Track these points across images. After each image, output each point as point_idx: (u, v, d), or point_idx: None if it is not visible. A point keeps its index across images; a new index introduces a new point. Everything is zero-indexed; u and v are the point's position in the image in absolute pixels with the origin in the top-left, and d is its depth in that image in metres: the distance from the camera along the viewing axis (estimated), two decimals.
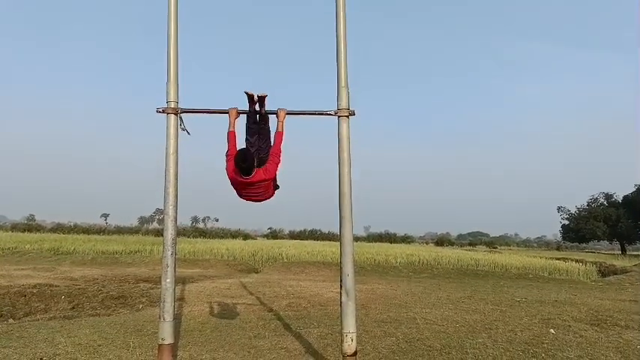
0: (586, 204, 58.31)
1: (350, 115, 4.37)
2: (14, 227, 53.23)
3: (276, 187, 4.73)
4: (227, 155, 4.52)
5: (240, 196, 4.57)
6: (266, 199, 4.67)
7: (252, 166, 4.34)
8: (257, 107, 4.78)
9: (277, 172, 4.57)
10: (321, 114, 4.46)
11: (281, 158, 4.56)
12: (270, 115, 4.75)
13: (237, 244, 31.77)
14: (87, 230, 52.12)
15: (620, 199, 55.66)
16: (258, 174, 4.42)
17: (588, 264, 22.85)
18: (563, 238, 62.07)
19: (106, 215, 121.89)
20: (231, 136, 4.55)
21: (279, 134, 4.55)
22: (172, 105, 4.39)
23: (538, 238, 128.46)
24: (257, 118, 4.81)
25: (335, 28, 4.50)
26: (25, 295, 9.79)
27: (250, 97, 4.72)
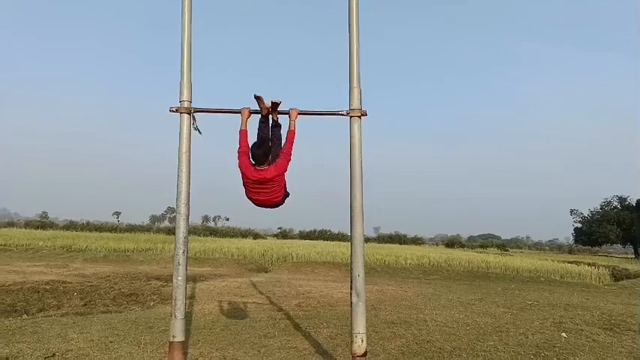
0: (599, 207, 57.58)
1: (362, 115, 4.36)
2: (28, 224, 53.99)
3: (287, 194, 4.72)
4: (239, 152, 4.54)
5: (249, 193, 4.57)
6: (274, 202, 4.62)
7: (267, 152, 4.48)
8: (269, 114, 4.75)
9: (288, 169, 4.56)
10: (333, 114, 4.45)
11: (292, 156, 4.56)
12: (281, 116, 4.75)
13: (248, 243, 31.92)
14: (99, 228, 52.61)
15: (634, 202, 54.91)
16: (270, 171, 4.43)
17: (601, 267, 22.61)
18: (576, 241, 61.37)
19: (118, 213, 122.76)
20: (242, 134, 4.56)
21: (291, 132, 4.54)
22: (186, 104, 4.41)
23: (550, 241, 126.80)
24: (269, 124, 4.80)
25: (347, 29, 4.49)
26: (39, 292, 9.93)
27: (260, 100, 4.64)
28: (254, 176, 4.42)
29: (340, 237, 58.01)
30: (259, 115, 4.75)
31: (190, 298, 9.37)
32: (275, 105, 4.65)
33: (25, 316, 7.81)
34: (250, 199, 4.58)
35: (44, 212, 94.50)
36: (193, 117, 4.47)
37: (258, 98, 4.64)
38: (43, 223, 55.24)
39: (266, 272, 18.24)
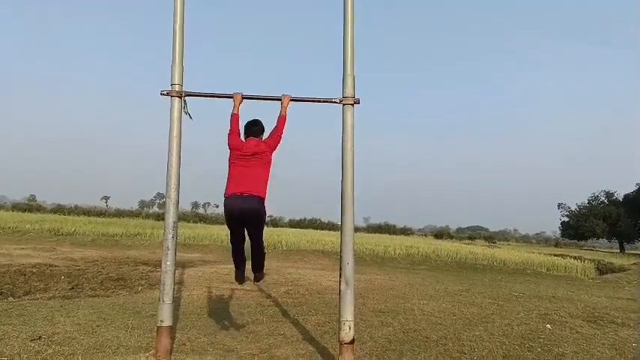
0: (587, 202, 58.27)
1: (355, 103, 4.34)
2: (15, 207, 53.43)
3: (265, 212, 4.71)
4: (229, 133, 4.67)
5: (233, 169, 4.55)
6: (255, 193, 4.48)
7: (262, 130, 4.76)
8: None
9: (276, 150, 4.65)
10: (326, 102, 4.43)
11: (282, 139, 4.68)
12: (273, 102, 4.75)
13: None
14: (87, 212, 52.14)
15: (621, 197, 55.65)
16: (259, 145, 4.58)
17: (586, 261, 22.94)
18: (563, 235, 62.17)
19: (106, 198, 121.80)
20: (234, 118, 4.69)
21: (282, 117, 4.65)
22: (177, 88, 4.36)
23: (537, 234, 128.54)
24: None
25: (342, 15, 4.45)
26: (25, 275, 9.84)
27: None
28: (242, 148, 4.53)
29: (330, 226, 58.29)
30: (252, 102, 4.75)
31: (179, 283, 9.34)
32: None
33: (11, 298, 7.74)
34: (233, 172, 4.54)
35: (32, 195, 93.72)
36: (184, 101, 4.42)
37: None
38: (30, 206, 54.78)
39: None
